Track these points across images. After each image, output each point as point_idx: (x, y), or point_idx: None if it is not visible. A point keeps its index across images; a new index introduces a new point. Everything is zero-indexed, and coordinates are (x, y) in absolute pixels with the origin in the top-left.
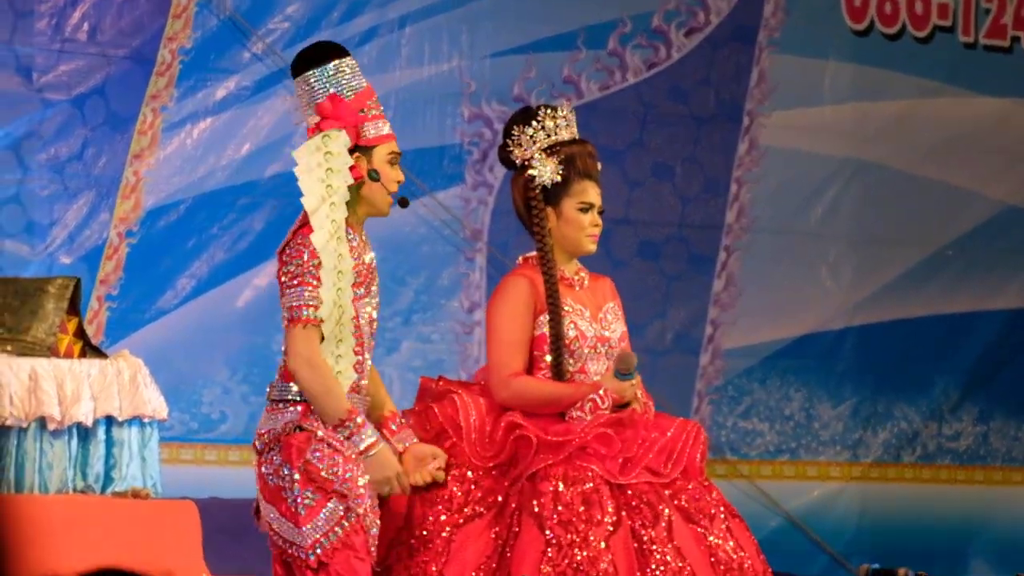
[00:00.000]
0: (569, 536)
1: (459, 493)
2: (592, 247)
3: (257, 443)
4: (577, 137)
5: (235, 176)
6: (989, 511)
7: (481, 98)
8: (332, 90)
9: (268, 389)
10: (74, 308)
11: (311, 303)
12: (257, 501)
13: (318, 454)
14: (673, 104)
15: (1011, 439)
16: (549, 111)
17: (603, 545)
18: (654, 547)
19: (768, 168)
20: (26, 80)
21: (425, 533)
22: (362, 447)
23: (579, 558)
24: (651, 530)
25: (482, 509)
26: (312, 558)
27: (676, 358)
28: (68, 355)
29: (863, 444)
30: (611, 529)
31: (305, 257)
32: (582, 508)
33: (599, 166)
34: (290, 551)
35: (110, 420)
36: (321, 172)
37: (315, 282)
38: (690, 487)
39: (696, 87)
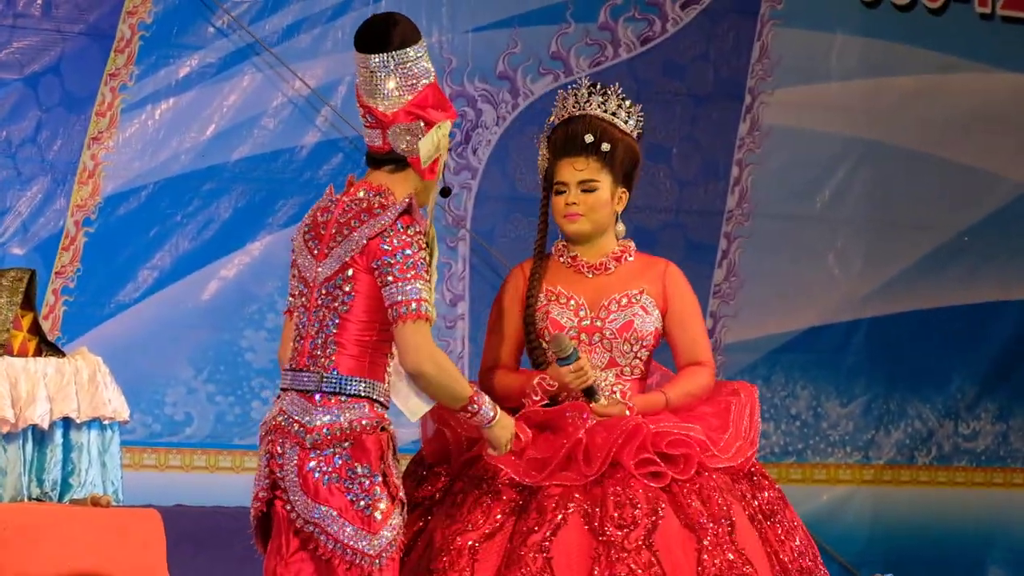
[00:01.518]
0: (440, 539)
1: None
2: (568, 227)
3: (305, 437)
4: (586, 112)
5: (200, 160)
6: (1009, 516)
7: (463, 75)
8: (431, 77)
9: (314, 379)
10: (28, 302)
11: (428, 298)
12: (264, 501)
13: (391, 459)
14: (669, 81)
15: None
16: (562, 93)
17: (455, 546)
18: (523, 552)
19: (771, 149)
20: None
21: None
22: (488, 420)
23: (438, 563)
24: (530, 534)
25: (408, 508)
26: (378, 566)
27: None
28: (22, 353)
29: (875, 445)
30: (477, 541)
31: (416, 248)
32: (469, 511)
33: (589, 138)
34: (344, 556)
35: (68, 422)
36: (429, 163)
37: (427, 276)
38: (613, 490)
39: (694, 63)
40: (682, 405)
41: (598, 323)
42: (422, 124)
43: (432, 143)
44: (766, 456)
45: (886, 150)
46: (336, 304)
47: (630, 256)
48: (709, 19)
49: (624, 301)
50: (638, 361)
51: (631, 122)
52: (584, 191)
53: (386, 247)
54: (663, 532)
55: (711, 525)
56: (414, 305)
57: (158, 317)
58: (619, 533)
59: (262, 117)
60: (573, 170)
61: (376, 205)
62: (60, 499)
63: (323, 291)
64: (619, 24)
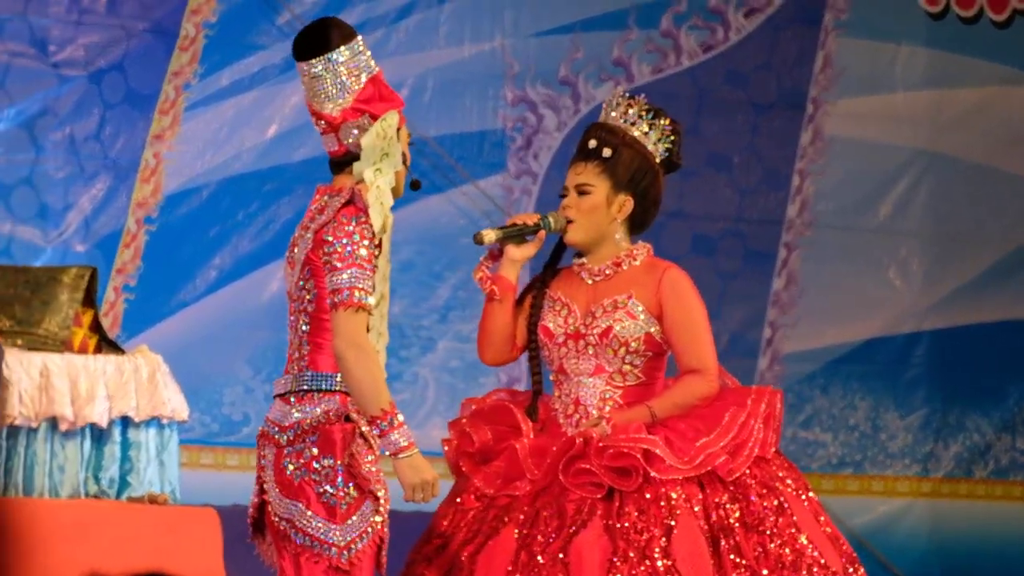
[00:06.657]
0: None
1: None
2: (566, 236)
3: (280, 436)
4: (604, 120)
5: (262, 160)
6: None
7: (525, 80)
8: (373, 71)
9: (289, 381)
10: (89, 300)
11: (364, 287)
12: (256, 506)
13: (359, 448)
14: (731, 90)
15: None
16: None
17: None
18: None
19: (833, 159)
20: (41, 54)
21: None
22: (397, 447)
23: None
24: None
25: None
26: (344, 559)
27: (732, 362)
28: (82, 350)
29: (933, 457)
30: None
31: (357, 238)
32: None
33: (592, 143)
34: (312, 548)
35: (126, 421)
36: (377, 155)
37: (368, 266)
38: (542, 501)
39: (756, 72)
40: (672, 415)
41: (583, 329)
42: (368, 118)
43: (376, 135)
44: (823, 467)
45: (949, 162)
46: (304, 305)
47: (635, 261)
48: (772, 28)
49: (610, 306)
50: (630, 367)
51: (652, 133)
52: (579, 195)
53: (328, 237)
54: (579, 541)
55: (638, 535)
56: (346, 293)
57: (218, 316)
58: (539, 543)
59: None
60: (573, 174)
61: (330, 205)
62: (117, 496)
63: (294, 296)
64: (682, 31)
